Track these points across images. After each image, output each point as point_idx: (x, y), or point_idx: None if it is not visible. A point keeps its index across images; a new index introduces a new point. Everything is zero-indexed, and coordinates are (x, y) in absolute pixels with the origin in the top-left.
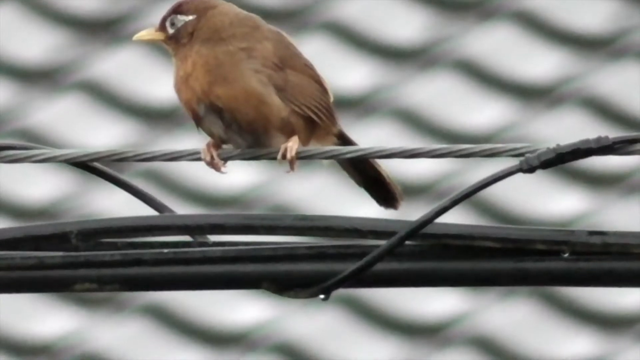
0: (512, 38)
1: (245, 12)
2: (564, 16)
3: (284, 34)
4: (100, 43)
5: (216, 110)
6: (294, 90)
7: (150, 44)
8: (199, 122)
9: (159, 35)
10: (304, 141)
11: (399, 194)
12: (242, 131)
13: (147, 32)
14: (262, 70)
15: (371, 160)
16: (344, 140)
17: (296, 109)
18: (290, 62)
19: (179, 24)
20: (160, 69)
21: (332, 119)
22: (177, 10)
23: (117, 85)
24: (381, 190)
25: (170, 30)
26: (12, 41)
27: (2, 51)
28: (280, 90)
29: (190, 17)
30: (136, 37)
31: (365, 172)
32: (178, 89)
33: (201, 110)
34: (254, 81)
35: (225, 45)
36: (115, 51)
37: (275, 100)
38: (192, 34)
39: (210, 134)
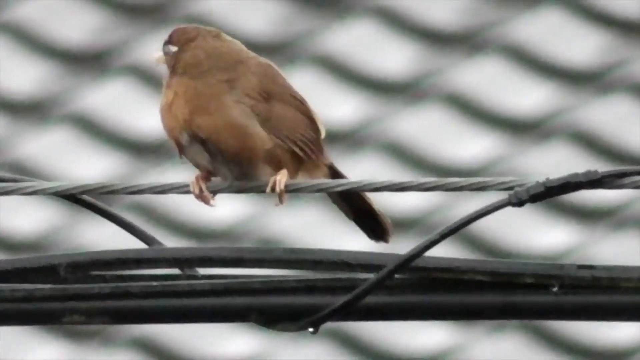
0: (500, 71)
1: (228, 45)
2: (553, 50)
3: (274, 65)
4: (89, 75)
5: (199, 141)
6: (279, 123)
7: (140, 74)
8: (182, 150)
9: (159, 59)
10: (292, 174)
11: (390, 227)
12: (227, 162)
13: (160, 55)
14: (244, 102)
15: (360, 193)
16: (334, 173)
17: (279, 142)
18: (276, 95)
19: (170, 54)
20: (149, 101)
21: (319, 153)
22: (168, 39)
23: (106, 117)
24: (371, 223)
25: (164, 59)
26: (0, 73)
27: None
28: (264, 122)
29: (175, 49)
30: (154, 57)
31: (355, 205)
32: (162, 116)
33: (184, 139)
34: (236, 112)
35: (204, 77)
36: (104, 84)
37: (258, 131)
38: (173, 65)
39: (196, 164)
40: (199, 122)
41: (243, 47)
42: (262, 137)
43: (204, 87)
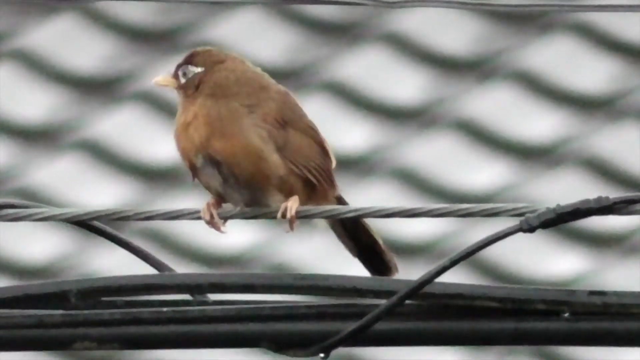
0: (512, 98)
1: (252, 70)
2: (564, 77)
3: (290, 94)
4: (100, 102)
5: (214, 163)
6: (294, 150)
7: (151, 101)
8: (195, 173)
9: (171, 83)
10: (302, 202)
11: (394, 264)
12: (240, 186)
13: (163, 78)
14: (262, 126)
15: (367, 227)
16: (342, 205)
17: (294, 169)
18: (293, 123)
19: (189, 75)
20: (160, 128)
21: (331, 183)
22: (188, 60)
23: (117, 144)
24: (375, 260)
25: (182, 80)
26: (12, 100)
27: (1, 110)
28: (280, 148)
29: (199, 70)
30: (154, 80)
31: (360, 240)
32: (177, 137)
33: (199, 161)
34: (254, 136)
35: (228, 101)
36: (115, 111)
37: (274, 157)
38: (197, 87)
39: (207, 187)
40: (216, 146)
41: (264, 73)
42: (276, 163)
43: (226, 110)
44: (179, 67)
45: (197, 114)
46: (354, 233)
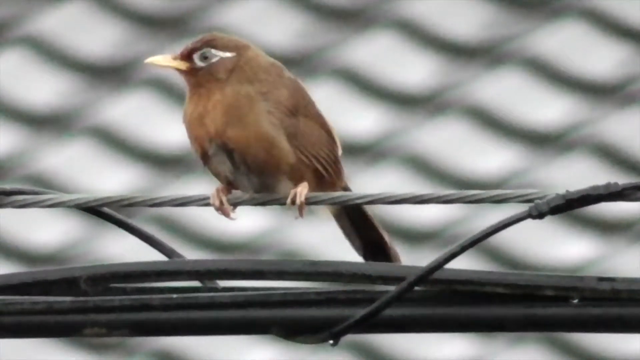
0: (521, 84)
1: (269, 58)
2: (574, 62)
3: (301, 83)
4: (110, 88)
5: (227, 151)
6: (304, 139)
7: (161, 87)
8: (206, 160)
9: (180, 64)
10: (311, 190)
11: (398, 259)
12: (250, 173)
13: (164, 58)
14: (274, 112)
15: (372, 219)
16: None
17: (303, 158)
18: (303, 111)
19: (214, 59)
20: (170, 114)
21: (339, 173)
22: (211, 43)
23: (126, 130)
24: (379, 255)
25: (200, 64)
26: (21, 86)
27: (11, 96)
28: (290, 136)
29: (229, 54)
30: (149, 60)
31: (366, 236)
32: (188, 124)
33: (211, 149)
34: (266, 123)
35: (251, 86)
36: (125, 96)
37: (285, 144)
38: (231, 71)
39: (217, 174)
40: (230, 134)
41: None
42: (287, 151)
43: (244, 97)
44: (193, 50)
45: (218, 103)
46: (359, 225)
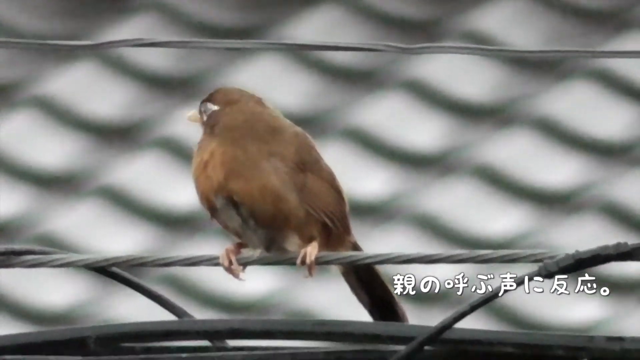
0: (530, 145)
1: (268, 112)
2: (583, 123)
3: (309, 136)
4: (120, 149)
5: (234, 205)
6: (312, 193)
7: (170, 148)
8: (214, 213)
9: (197, 119)
10: (320, 247)
11: (405, 318)
12: (258, 228)
13: (193, 114)
14: (281, 169)
15: (380, 277)
16: (357, 251)
17: (312, 212)
18: (310, 166)
19: (208, 112)
20: (179, 174)
21: (347, 228)
22: (208, 97)
23: (136, 191)
24: (387, 314)
25: (204, 117)
26: (31, 147)
27: (21, 157)
28: (298, 191)
29: (216, 108)
30: (187, 115)
31: (374, 293)
32: (196, 178)
33: (218, 202)
34: (273, 178)
35: (241, 141)
36: (134, 157)
37: (293, 199)
38: (213, 126)
39: (226, 227)
40: (233, 186)
41: (282, 115)
42: (295, 205)
43: (242, 152)
44: (201, 103)
45: (214, 153)
46: (367, 283)
